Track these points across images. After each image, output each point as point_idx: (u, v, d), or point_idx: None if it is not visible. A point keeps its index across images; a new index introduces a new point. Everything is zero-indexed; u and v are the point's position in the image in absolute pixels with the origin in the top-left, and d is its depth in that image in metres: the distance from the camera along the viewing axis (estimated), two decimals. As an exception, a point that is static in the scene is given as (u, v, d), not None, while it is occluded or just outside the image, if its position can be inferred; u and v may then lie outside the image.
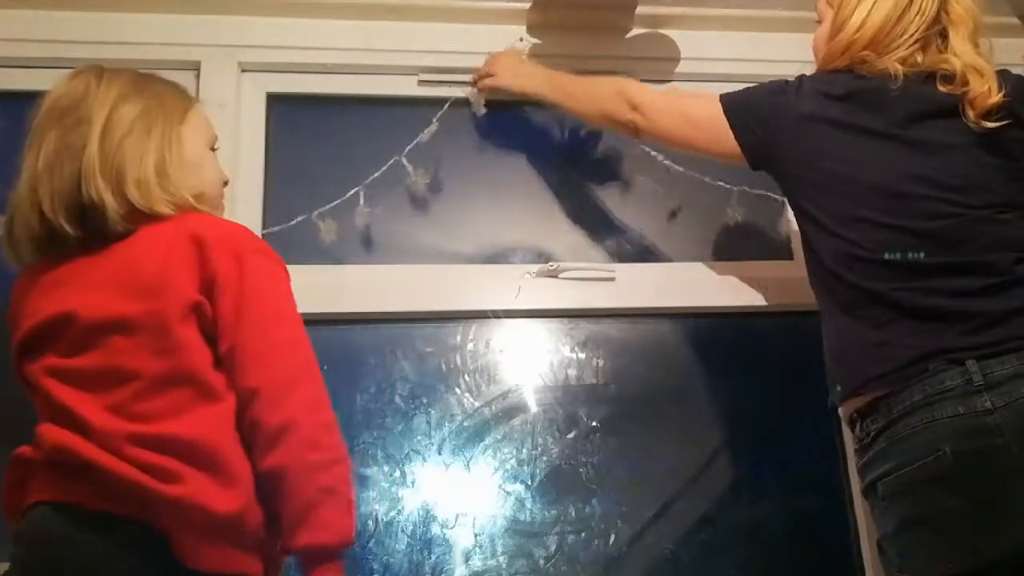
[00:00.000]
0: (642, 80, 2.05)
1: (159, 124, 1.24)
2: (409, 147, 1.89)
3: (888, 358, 1.35)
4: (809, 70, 2.11)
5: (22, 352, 1.18)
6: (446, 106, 1.93)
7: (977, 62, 1.45)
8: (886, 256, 1.37)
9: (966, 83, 1.43)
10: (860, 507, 1.81)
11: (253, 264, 1.19)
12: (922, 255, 1.36)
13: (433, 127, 1.90)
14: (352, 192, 1.85)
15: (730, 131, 1.57)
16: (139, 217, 1.19)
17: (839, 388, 1.44)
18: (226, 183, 1.41)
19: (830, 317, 1.47)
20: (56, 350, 1.14)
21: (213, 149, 1.37)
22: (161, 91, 1.30)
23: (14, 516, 1.12)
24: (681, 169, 1.96)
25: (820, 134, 1.48)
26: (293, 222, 1.82)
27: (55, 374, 1.13)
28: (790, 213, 2.02)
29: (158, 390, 1.10)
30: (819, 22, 1.65)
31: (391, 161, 1.88)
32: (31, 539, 1.08)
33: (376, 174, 1.87)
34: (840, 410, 1.46)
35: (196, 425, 1.10)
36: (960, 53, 1.46)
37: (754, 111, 1.56)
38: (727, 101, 1.58)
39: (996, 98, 1.41)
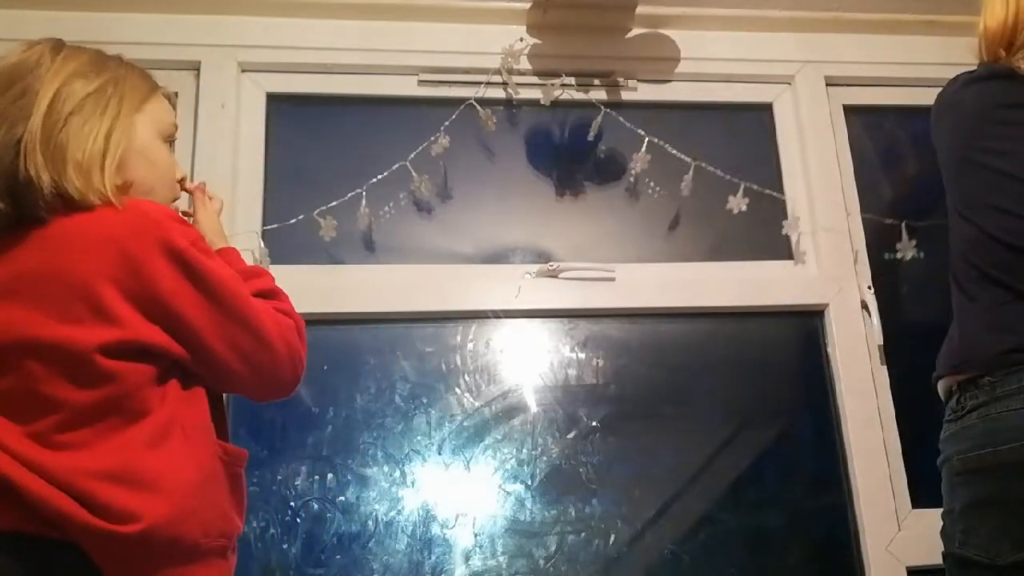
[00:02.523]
0: (641, 80, 2.07)
1: (113, 106, 1.13)
2: (414, 153, 1.89)
3: (999, 341, 1.34)
4: (807, 70, 2.13)
5: None
6: (454, 115, 1.93)
7: None
8: (1011, 241, 1.35)
9: None
10: (860, 507, 1.81)
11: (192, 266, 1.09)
12: None
13: (445, 140, 1.89)
14: (353, 193, 1.85)
15: None
16: (66, 204, 1.06)
17: (946, 363, 1.43)
18: (182, 180, 1.29)
19: (955, 297, 1.46)
20: None
21: (170, 141, 1.25)
22: (123, 74, 1.18)
23: None
24: (690, 160, 1.96)
25: (957, 120, 1.47)
26: (293, 220, 1.82)
27: None
28: (791, 213, 2.03)
29: (82, 420, 1.01)
30: None
31: (395, 166, 1.88)
32: None
33: (379, 177, 1.87)
34: (939, 384, 1.45)
35: (119, 450, 1.01)
36: None
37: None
38: None
39: None
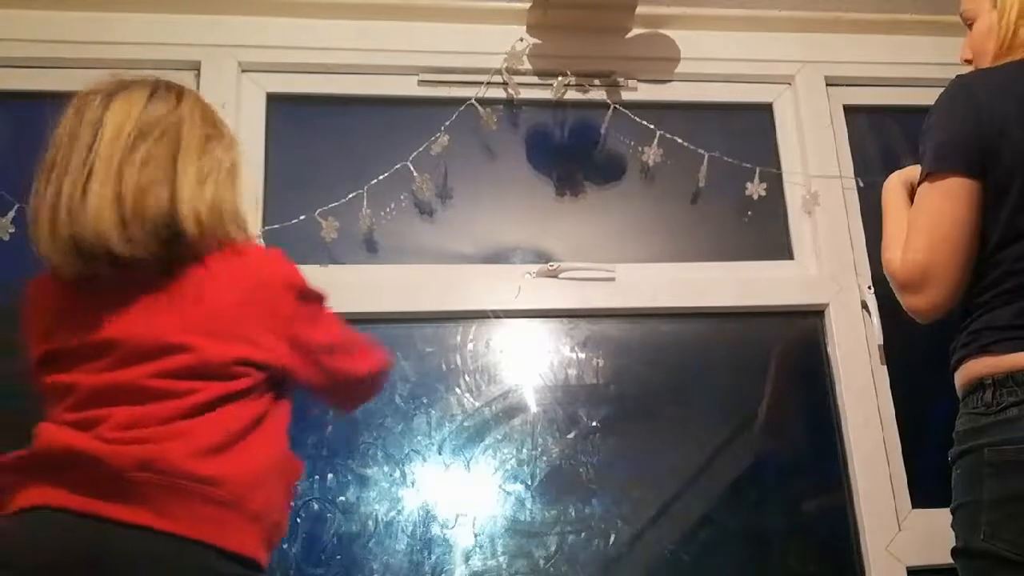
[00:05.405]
0: (641, 80, 2.07)
1: (238, 165, 1.28)
2: (415, 153, 1.89)
3: (1011, 327, 1.33)
4: (807, 70, 2.12)
5: (52, 359, 1.16)
6: (455, 115, 1.93)
7: None
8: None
9: None
10: (860, 507, 1.81)
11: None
12: None
13: (444, 140, 1.89)
14: (355, 194, 1.85)
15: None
16: (208, 247, 1.20)
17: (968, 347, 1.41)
18: None
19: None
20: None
21: None
22: (222, 122, 1.32)
23: None
24: (703, 151, 1.97)
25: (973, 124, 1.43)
26: (295, 220, 1.82)
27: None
28: (791, 213, 2.03)
29: (204, 407, 1.14)
30: (970, 24, 1.54)
31: (397, 166, 1.88)
32: (44, 546, 1.04)
33: (381, 177, 1.87)
34: (961, 376, 1.43)
35: (218, 424, 1.15)
36: None
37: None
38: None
39: None
